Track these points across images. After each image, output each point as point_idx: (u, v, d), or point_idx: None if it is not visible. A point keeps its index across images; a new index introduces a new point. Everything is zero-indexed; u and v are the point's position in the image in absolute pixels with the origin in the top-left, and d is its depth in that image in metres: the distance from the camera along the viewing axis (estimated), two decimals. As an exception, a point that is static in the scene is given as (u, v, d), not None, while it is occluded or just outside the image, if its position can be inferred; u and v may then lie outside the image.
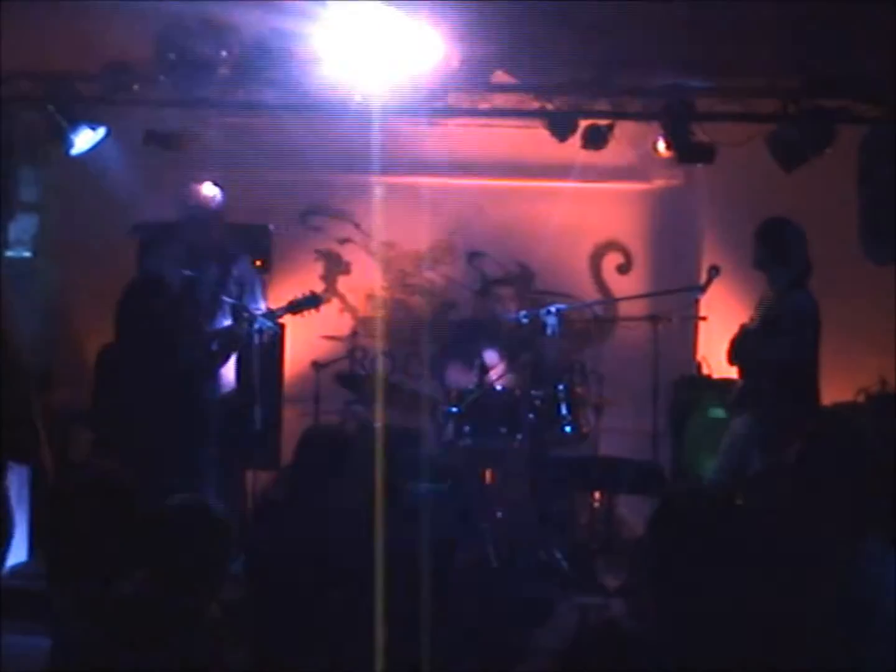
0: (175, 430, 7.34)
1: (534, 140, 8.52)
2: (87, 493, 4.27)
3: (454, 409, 7.98)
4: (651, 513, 3.72)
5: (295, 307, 7.57)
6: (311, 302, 7.61)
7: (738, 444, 6.95)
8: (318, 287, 9.42)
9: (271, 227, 8.91)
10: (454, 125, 9.05)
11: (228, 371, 7.55)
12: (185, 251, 7.48)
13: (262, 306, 7.56)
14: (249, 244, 8.15)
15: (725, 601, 3.49)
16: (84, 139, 8.02)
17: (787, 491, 4.10)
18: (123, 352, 7.67)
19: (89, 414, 8.34)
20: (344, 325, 9.38)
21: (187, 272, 7.43)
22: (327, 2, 6.34)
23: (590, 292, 9.49)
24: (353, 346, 9.12)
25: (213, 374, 7.44)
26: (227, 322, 7.49)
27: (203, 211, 7.51)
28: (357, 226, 9.67)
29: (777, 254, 6.93)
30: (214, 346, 7.42)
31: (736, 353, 7.01)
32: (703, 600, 3.48)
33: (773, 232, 6.99)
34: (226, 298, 7.44)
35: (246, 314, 7.40)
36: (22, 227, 8.55)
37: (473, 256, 9.62)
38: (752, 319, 7.04)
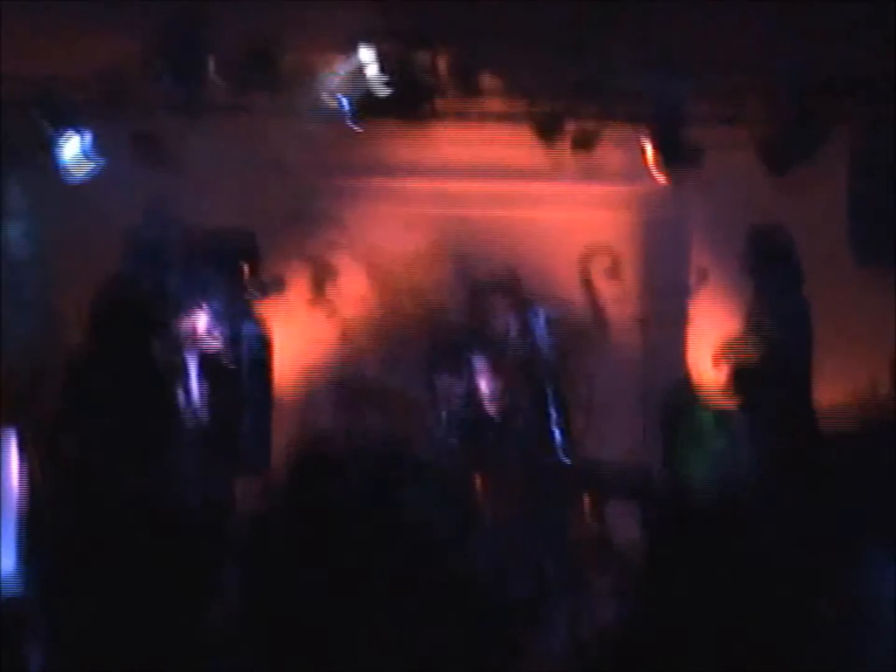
0: (166, 434, 7.39)
1: (522, 143, 8.53)
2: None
3: (444, 413, 7.98)
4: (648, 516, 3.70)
5: (261, 290, 7.59)
6: (276, 285, 7.65)
7: (732, 447, 6.95)
8: (306, 292, 9.41)
9: (258, 231, 8.87)
10: (442, 128, 9.04)
11: (217, 377, 7.58)
12: (163, 260, 7.54)
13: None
14: (236, 249, 8.14)
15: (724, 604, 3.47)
16: (72, 144, 8.00)
17: (781, 494, 4.08)
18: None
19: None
20: (333, 329, 9.34)
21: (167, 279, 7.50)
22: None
23: (579, 296, 9.47)
24: (343, 350, 9.10)
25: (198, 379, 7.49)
26: (206, 326, 7.53)
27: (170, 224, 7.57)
28: (345, 230, 9.64)
29: (768, 259, 6.93)
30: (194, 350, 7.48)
31: (727, 357, 7.01)
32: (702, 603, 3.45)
33: (764, 238, 6.99)
34: (204, 303, 7.47)
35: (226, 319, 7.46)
36: (17, 230, 8.53)
37: (461, 260, 9.60)
38: (745, 325, 7.04)
